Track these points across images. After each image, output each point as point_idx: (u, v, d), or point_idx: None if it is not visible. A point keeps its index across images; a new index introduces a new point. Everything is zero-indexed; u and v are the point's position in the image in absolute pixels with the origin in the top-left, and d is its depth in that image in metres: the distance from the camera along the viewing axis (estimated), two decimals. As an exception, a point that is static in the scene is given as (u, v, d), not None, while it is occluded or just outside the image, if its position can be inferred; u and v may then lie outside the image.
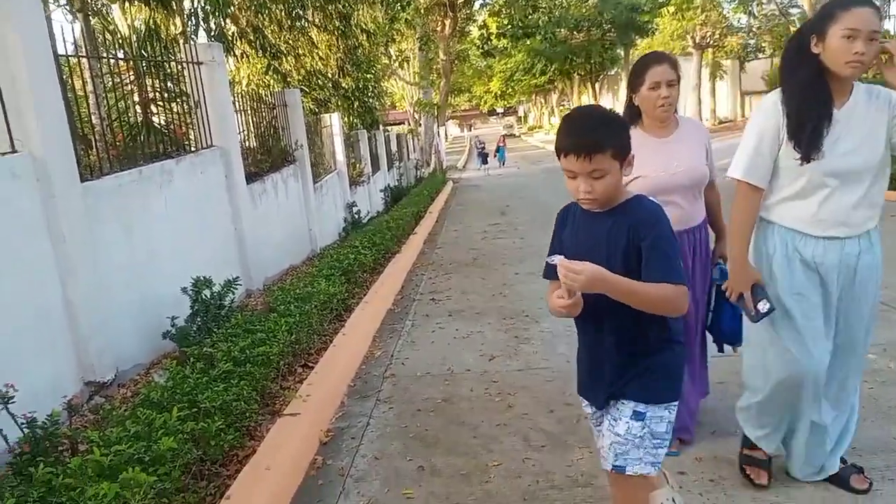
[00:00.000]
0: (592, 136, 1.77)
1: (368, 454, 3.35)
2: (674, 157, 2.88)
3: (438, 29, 27.52)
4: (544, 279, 1.98)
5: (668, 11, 31.07)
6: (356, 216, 11.02)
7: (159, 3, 6.85)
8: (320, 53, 13.53)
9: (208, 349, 3.82)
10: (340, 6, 13.34)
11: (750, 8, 32.76)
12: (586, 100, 46.85)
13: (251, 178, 7.15)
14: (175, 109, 6.30)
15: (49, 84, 3.92)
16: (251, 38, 9.14)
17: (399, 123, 36.66)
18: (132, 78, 6.05)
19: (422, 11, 26.15)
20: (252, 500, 2.77)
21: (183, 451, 2.61)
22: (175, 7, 7.34)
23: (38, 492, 2.34)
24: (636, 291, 1.73)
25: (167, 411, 2.89)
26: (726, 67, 34.94)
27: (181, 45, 6.90)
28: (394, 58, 28.25)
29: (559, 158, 1.82)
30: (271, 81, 10.11)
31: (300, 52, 12.12)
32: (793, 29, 24.90)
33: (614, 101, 45.65)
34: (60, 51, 4.27)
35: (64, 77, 4.32)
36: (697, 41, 32.20)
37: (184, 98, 6.20)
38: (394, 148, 20.58)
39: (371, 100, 16.54)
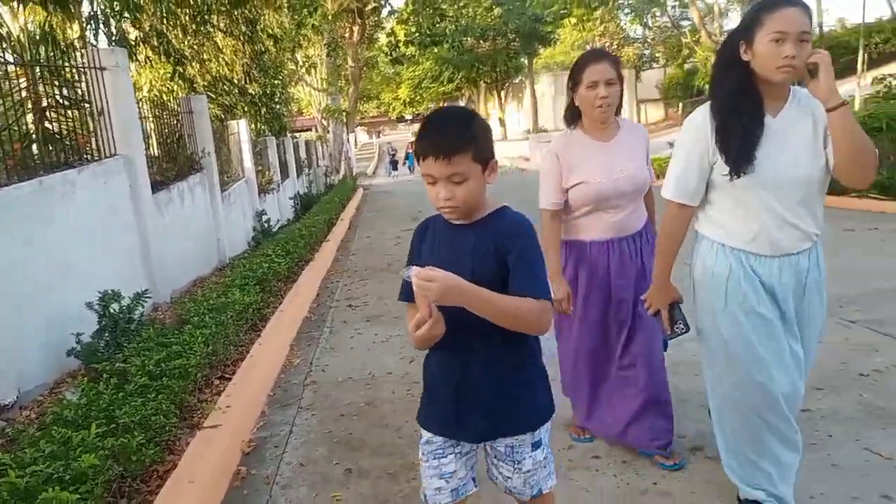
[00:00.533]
0: (451, 137, 1.64)
1: (293, 461, 3.38)
2: (616, 161, 2.78)
3: (346, 35, 27.49)
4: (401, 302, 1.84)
5: (570, 22, 32.27)
6: (266, 224, 10.86)
7: (57, 4, 6.53)
8: (226, 59, 13.25)
9: (121, 364, 3.72)
10: (247, 11, 13.14)
11: (645, 20, 34.50)
12: (493, 107, 47.88)
13: (156, 187, 6.94)
14: (75, 116, 6.04)
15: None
16: (154, 43, 8.86)
17: (307, 130, 36.20)
18: (25, 84, 5.76)
19: (329, 17, 26.03)
20: (177, 513, 2.75)
21: (104, 468, 2.56)
22: (73, 10, 7.02)
23: (-53, 519, 2.24)
24: (494, 303, 1.59)
25: (83, 429, 2.82)
26: (626, 77, 36.71)
27: (79, 49, 6.63)
28: (301, 64, 28.03)
29: (418, 162, 1.70)
30: (176, 87, 9.82)
31: (205, 57, 11.84)
32: (684, 40, 26.42)
33: (519, 108, 46.80)
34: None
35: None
36: (597, 51, 33.67)
37: (85, 105, 5.96)
38: (303, 155, 20.35)
39: (279, 106, 16.35)
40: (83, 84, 6.00)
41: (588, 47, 34.30)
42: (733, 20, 35.67)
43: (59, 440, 2.74)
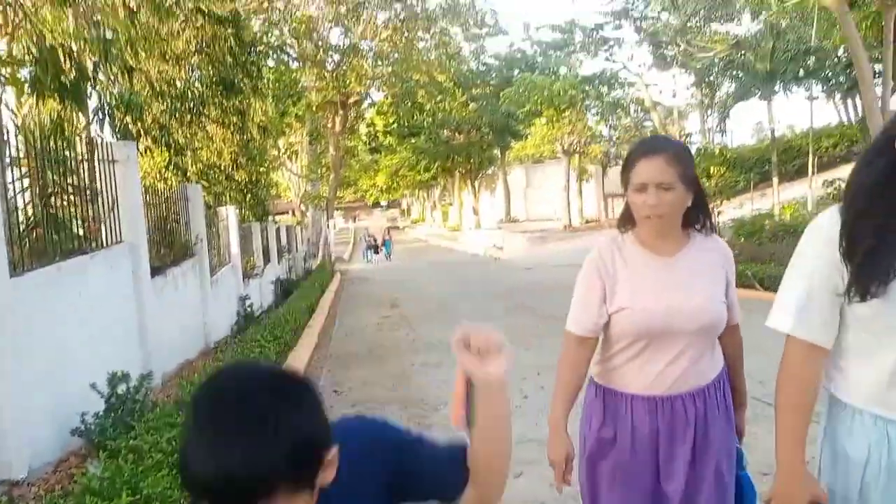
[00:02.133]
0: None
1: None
2: (676, 285, 2.02)
3: (329, 125, 28.82)
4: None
5: (540, 122, 33.97)
6: (249, 309, 11.15)
7: (73, 99, 7.06)
8: (216, 147, 13.86)
9: (134, 441, 3.98)
10: (237, 102, 13.91)
11: (609, 121, 36.50)
12: (466, 196, 49.45)
13: (154, 272, 7.28)
14: (81, 203, 6.42)
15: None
16: (156, 134, 9.44)
17: (283, 213, 36.92)
18: (29, 172, 6.13)
19: (313, 108, 27.37)
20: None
21: (138, 535, 2.83)
22: (86, 104, 7.56)
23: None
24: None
25: (112, 499, 3.09)
26: (591, 172, 38.36)
27: (83, 139, 7.09)
28: (282, 150, 29.06)
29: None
30: (170, 175, 10.34)
31: (197, 145, 12.45)
32: (647, 141, 27.90)
33: (492, 198, 48.30)
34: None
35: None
36: (566, 147, 35.35)
37: (94, 193, 6.37)
38: (283, 240, 20.78)
39: (262, 192, 16.96)
40: (89, 172, 6.40)
41: (558, 144, 36.19)
42: (692, 122, 37.99)
43: (92, 510, 3.00)
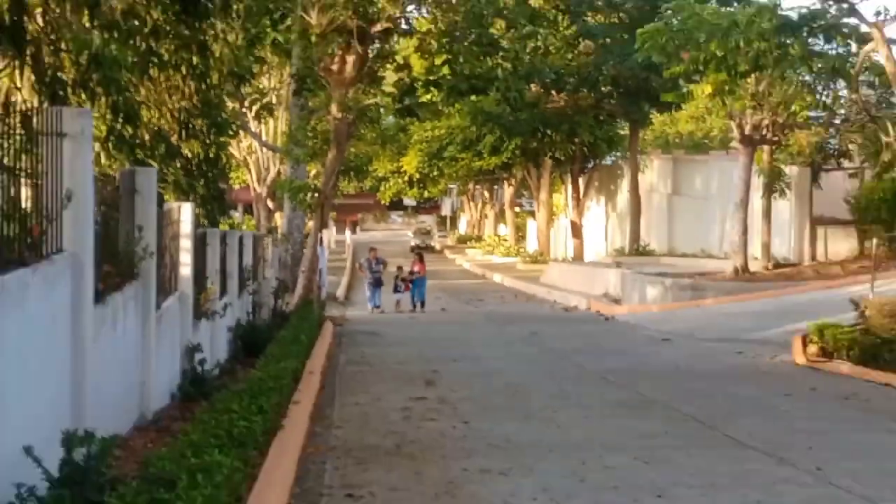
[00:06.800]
0: None
1: None
2: None
3: (334, 67, 23.79)
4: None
5: (702, 91, 26.58)
6: (200, 368, 10.82)
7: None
8: (159, 101, 12.97)
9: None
10: (200, 28, 12.68)
11: (823, 97, 28.32)
12: (560, 201, 43.95)
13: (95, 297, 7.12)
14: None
15: None
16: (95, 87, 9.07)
17: (233, 208, 34.63)
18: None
19: (310, 37, 22.99)
20: None
21: None
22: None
23: None
24: None
25: None
26: (789, 178, 30.43)
27: None
28: (246, 102, 26.11)
29: None
30: (111, 154, 10.30)
31: (138, 100, 11.81)
32: (885, 138, 24.30)
33: (608, 210, 41.87)
34: None
35: None
36: (746, 132, 28.41)
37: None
38: (247, 259, 18.41)
39: (218, 175, 15.69)
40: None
41: (734, 125, 25.99)
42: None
43: None
